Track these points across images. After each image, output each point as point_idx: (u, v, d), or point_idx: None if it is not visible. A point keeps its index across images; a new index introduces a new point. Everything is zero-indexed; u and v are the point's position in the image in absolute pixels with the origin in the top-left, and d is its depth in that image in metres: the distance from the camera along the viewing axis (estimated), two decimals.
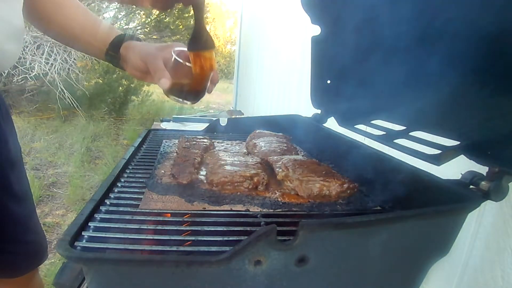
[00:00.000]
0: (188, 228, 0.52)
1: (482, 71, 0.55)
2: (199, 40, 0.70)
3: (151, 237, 0.49)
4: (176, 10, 5.97)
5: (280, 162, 0.76)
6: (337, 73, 0.94)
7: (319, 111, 1.04)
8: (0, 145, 0.80)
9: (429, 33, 0.64)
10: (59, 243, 0.42)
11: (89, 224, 0.51)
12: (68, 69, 4.58)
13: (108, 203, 0.59)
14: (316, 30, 0.94)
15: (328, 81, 0.97)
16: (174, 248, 0.46)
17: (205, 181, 0.70)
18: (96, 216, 0.54)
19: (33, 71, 4.21)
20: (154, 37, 5.66)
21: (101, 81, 5.09)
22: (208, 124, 1.17)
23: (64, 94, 4.49)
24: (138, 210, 0.58)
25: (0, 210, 0.80)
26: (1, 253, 0.84)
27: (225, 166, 0.72)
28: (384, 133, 0.76)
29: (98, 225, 0.51)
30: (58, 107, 4.52)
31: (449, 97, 0.62)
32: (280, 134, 1.03)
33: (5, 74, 4.21)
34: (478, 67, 0.55)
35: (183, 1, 0.64)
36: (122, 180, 0.70)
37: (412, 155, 0.63)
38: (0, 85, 4.38)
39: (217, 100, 7.85)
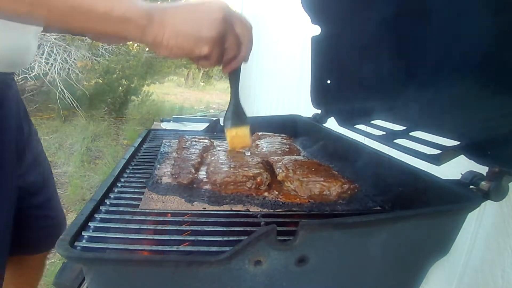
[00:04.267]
0: (188, 228, 0.52)
1: (482, 71, 0.55)
2: (235, 116, 0.74)
3: (151, 237, 0.49)
4: None
5: (281, 163, 0.76)
6: (337, 73, 0.94)
7: (319, 111, 1.04)
8: (22, 139, 0.89)
9: (429, 33, 0.64)
10: (59, 243, 0.42)
11: (89, 224, 0.51)
12: (68, 69, 4.58)
13: (108, 203, 0.59)
14: (316, 30, 0.94)
15: (328, 81, 0.97)
16: (174, 248, 0.47)
17: (205, 181, 0.71)
18: (96, 216, 0.54)
19: (33, 71, 4.21)
20: None
21: (101, 81, 5.09)
22: (208, 124, 1.17)
23: (64, 94, 4.49)
24: (138, 210, 0.58)
25: (20, 201, 0.89)
26: (26, 230, 0.94)
27: (227, 166, 0.72)
28: (384, 133, 0.76)
29: (98, 225, 0.51)
30: (58, 107, 4.52)
31: (449, 97, 0.62)
32: (283, 135, 1.03)
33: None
34: (478, 67, 0.55)
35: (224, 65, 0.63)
36: (122, 180, 0.70)
37: (412, 155, 0.63)
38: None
39: (217, 100, 7.86)
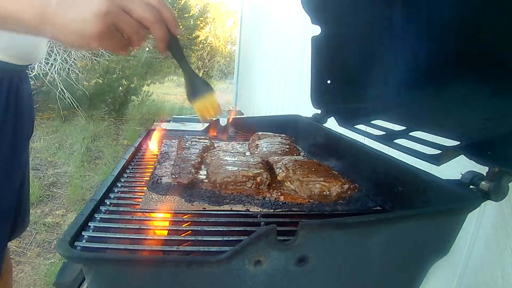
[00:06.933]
0: (188, 228, 0.52)
1: (482, 71, 0.55)
2: (194, 87, 0.69)
3: (151, 237, 0.49)
4: (176, 10, 5.96)
5: (281, 163, 0.76)
6: (337, 73, 0.94)
7: (319, 111, 1.04)
8: (30, 129, 0.94)
9: (429, 32, 0.64)
10: (59, 243, 0.42)
11: (89, 224, 0.51)
12: (68, 69, 4.57)
13: (108, 203, 0.59)
14: (316, 30, 0.94)
15: (328, 81, 0.97)
16: (174, 248, 0.47)
17: (205, 181, 0.70)
18: (96, 216, 0.54)
19: (33, 71, 4.21)
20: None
21: (101, 81, 5.09)
22: (208, 124, 1.17)
23: (64, 94, 4.48)
24: (138, 210, 0.58)
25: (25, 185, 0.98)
26: (21, 221, 1.02)
27: (227, 166, 0.72)
28: (384, 133, 0.76)
29: (98, 225, 0.51)
30: (58, 107, 4.52)
31: (449, 97, 0.62)
32: (283, 135, 1.03)
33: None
34: (478, 66, 0.55)
35: (159, 47, 0.58)
36: (122, 180, 0.70)
37: (412, 155, 0.63)
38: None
39: (218, 100, 7.84)
